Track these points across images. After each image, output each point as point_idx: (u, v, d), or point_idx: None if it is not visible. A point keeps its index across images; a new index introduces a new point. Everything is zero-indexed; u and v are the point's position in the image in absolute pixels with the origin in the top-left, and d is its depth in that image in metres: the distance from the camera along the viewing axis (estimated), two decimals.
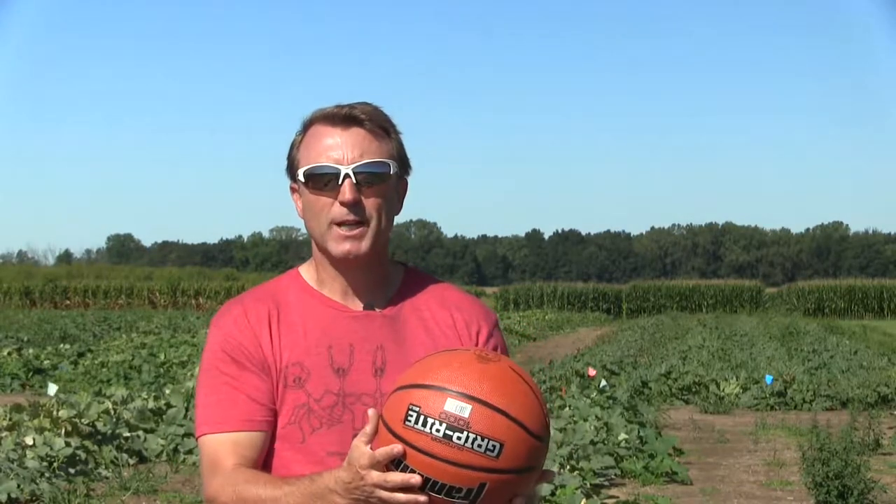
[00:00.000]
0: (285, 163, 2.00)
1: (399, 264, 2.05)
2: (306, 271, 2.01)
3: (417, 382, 1.65)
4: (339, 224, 1.90)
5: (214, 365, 1.93)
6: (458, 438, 1.59)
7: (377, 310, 1.96)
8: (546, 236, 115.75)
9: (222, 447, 1.88)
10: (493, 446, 1.59)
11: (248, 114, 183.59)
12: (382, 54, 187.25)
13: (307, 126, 1.96)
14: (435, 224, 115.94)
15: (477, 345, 1.96)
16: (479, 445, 1.59)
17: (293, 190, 1.99)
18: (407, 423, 1.62)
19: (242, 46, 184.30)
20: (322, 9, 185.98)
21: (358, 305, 1.96)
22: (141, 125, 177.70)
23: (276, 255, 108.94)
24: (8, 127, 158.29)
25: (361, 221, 1.90)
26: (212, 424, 1.90)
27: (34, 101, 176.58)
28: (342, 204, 1.89)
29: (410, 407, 1.63)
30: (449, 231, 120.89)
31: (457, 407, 1.61)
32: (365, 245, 1.90)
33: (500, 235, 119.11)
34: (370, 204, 1.90)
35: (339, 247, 1.90)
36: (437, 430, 1.60)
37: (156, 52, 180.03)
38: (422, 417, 1.61)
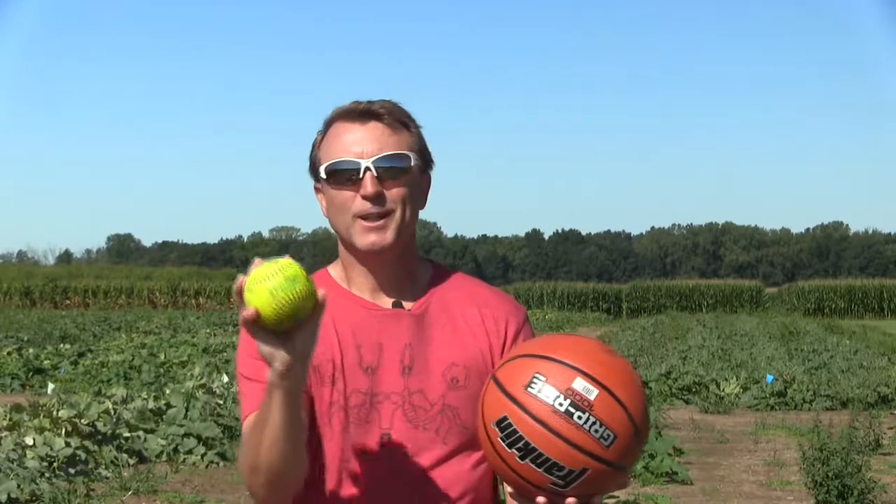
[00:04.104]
0: (308, 164, 1.99)
1: (427, 261, 2.04)
2: (335, 271, 2.01)
3: (544, 355, 1.65)
4: (363, 217, 1.89)
5: (244, 360, 1.92)
6: (579, 418, 1.59)
7: (405, 307, 1.95)
8: (546, 236, 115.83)
9: (249, 426, 1.85)
10: (608, 435, 1.60)
11: (248, 114, 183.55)
12: (382, 54, 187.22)
13: (328, 125, 1.96)
14: (435, 224, 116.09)
15: (505, 339, 1.95)
16: (597, 431, 1.59)
17: (317, 190, 1.99)
18: (529, 389, 1.61)
19: (243, 47, 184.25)
20: (322, 10, 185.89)
21: (386, 303, 1.95)
22: (141, 125, 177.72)
23: (276, 255, 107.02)
24: (8, 127, 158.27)
25: (384, 214, 1.89)
26: (246, 411, 1.88)
27: (34, 101, 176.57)
28: (364, 198, 1.88)
29: (536, 376, 1.62)
30: (449, 231, 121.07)
31: (584, 387, 1.60)
32: (390, 236, 1.89)
33: (500, 235, 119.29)
34: (392, 196, 1.89)
35: (365, 239, 1.89)
36: (561, 405, 1.59)
37: (156, 52, 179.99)
38: (546, 388, 1.61)
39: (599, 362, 1.64)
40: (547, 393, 1.60)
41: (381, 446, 1.86)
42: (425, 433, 1.87)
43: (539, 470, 1.60)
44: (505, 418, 1.62)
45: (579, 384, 1.60)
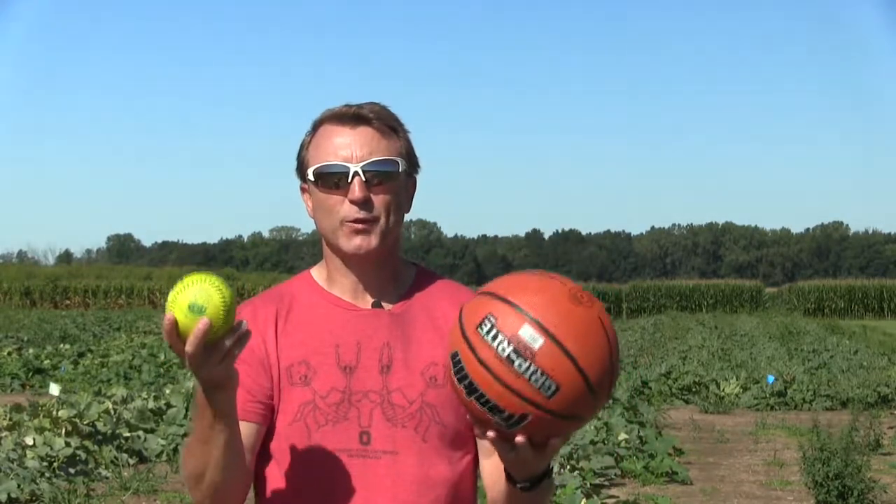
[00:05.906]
0: (295, 163, 2.01)
1: (411, 264, 2.06)
2: (317, 272, 2.03)
3: (504, 296, 1.65)
4: (350, 222, 1.91)
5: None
6: (520, 365, 1.58)
7: (386, 308, 1.97)
8: (546, 236, 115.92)
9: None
10: (550, 385, 1.58)
11: (248, 114, 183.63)
12: (383, 53, 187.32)
13: (316, 126, 1.98)
14: (435, 224, 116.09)
15: None
16: (537, 380, 1.58)
17: (303, 190, 2.01)
18: (479, 329, 1.62)
19: (242, 47, 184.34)
20: (322, 11, 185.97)
21: (367, 304, 1.97)
22: (141, 125, 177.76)
23: (276, 255, 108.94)
24: (8, 127, 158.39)
25: (371, 219, 1.91)
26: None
27: (34, 101, 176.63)
28: (352, 202, 1.90)
29: (488, 316, 1.62)
30: (449, 231, 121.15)
31: (530, 335, 1.59)
32: (375, 241, 1.91)
33: (500, 235, 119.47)
34: (379, 201, 1.91)
35: (350, 243, 1.91)
36: (503, 350, 1.59)
37: (156, 52, 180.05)
38: (494, 330, 1.61)
39: (557, 311, 1.62)
40: (493, 336, 1.60)
41: (359, 444, 1.88)
42: (404, 430, 1.89)
43: (484, 409, 1.61)
44: (456, 353, 1.63)
45: (526, 331, 1.59)
